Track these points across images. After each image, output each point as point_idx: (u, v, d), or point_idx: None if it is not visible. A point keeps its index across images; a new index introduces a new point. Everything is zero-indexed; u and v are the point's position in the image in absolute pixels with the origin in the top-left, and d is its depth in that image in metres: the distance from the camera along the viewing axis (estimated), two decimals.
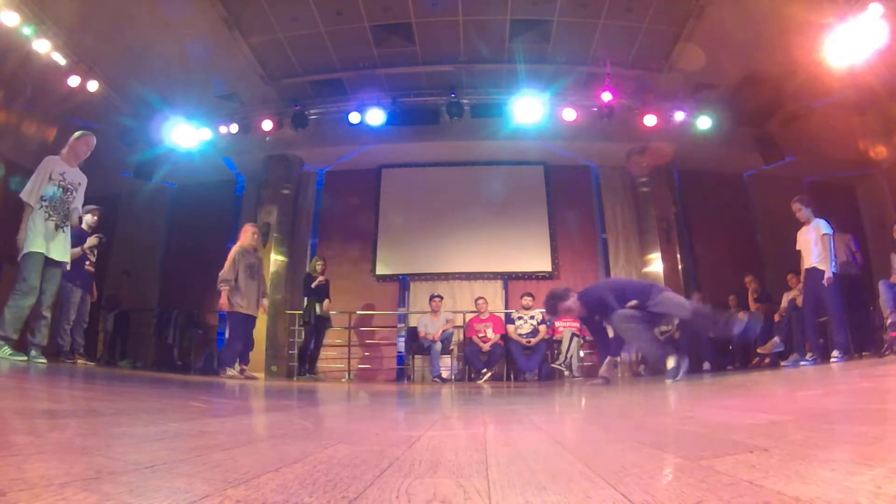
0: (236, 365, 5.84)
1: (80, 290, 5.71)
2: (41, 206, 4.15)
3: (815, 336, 5.50)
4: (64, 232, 4.29)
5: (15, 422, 1.35)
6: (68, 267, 4.44)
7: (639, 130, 8.24)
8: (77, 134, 4.44)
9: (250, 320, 5.99)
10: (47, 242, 4.15)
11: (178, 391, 3.44)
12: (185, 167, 8.89)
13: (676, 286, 8.01)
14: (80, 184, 4.42)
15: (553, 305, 4.83)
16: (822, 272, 5.28)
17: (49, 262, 4.16)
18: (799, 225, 5.66)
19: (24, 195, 4.14)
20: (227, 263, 5.82)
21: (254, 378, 6.08)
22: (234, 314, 5.81)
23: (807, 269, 5.49)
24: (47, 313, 4.25)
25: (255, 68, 7.76)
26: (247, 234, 6.06)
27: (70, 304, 5.61)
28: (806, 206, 5.57)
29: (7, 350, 3.93)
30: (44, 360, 4.19)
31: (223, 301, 5.73)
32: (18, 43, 6.14)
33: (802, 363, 5.45)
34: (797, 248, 5.66)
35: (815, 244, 5.40)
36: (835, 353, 5.06)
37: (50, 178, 4.21)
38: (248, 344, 6.13)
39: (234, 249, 5.94)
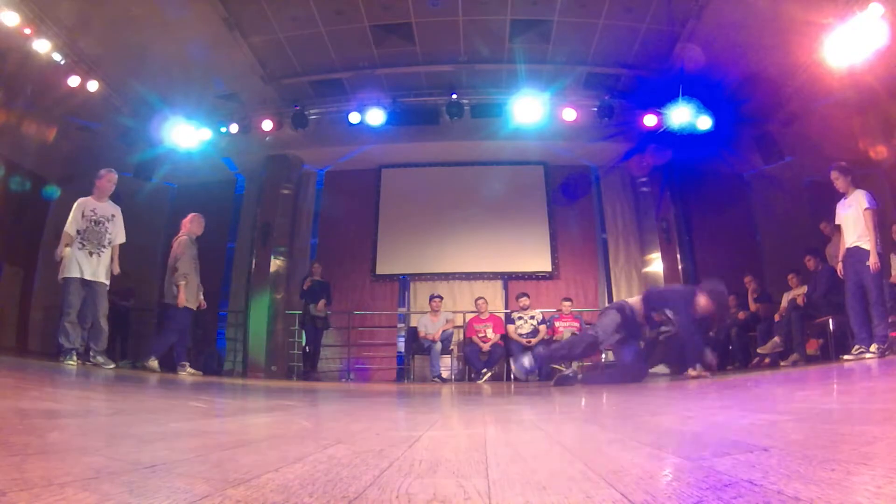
0: (154, 361, 5.48)
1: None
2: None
3: (866, 325, 4.57)
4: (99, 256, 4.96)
5: (15, 422, 1.35)
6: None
7: (639, 130, 8.24)
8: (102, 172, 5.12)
9: (191, 314, 5.70)
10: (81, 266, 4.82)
11: (178, 391, 3.44)
12: (185, 167, 8.88)
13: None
14: (113, 215, 5.11)
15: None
16: (866, 252, 4.55)
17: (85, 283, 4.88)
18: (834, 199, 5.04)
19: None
20: (180, 254, 5.40)
21: (197, 374, 5.77)
22: (186, 310, 5.48)
23: (847, 249, 4.76)
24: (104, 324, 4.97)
25: (255, 68, 7.75)
26: (197, 223, 5.73)
27: None
28: (844, 175, 4.84)
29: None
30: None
31: (181, 297, 5.32)
32: (18, 43, 6.13)
33: (868, 355, 4.47)
34: (836, 222, 5.01)
35: (854, 220, 4.70)
36: (877, 347, 4.43)
37: (83, 216, 4.92)
38: (184, 339, 5.78)
39: (183, 240, 5.56)
